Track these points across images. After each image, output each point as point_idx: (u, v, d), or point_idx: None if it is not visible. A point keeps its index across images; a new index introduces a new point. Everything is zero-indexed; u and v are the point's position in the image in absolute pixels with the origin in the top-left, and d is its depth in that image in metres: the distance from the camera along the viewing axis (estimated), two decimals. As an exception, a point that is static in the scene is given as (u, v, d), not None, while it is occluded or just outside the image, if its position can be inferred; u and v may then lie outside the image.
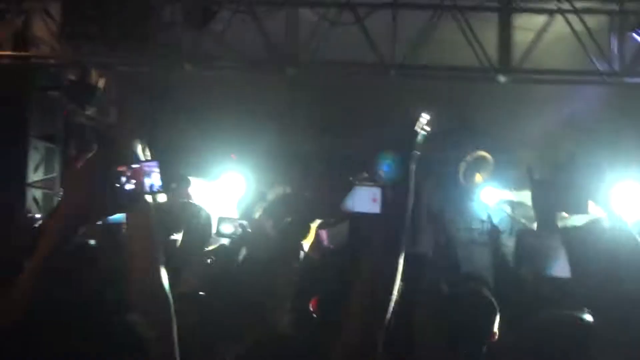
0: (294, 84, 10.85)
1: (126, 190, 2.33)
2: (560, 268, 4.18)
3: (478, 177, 7.67)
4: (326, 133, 14.69)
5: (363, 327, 2.32)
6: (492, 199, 8.33)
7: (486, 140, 8.39)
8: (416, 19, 9.22)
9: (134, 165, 2.36)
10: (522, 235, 6.10)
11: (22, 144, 9.61)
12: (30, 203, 9.67)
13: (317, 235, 5.48)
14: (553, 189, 3.36)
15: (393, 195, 2.48)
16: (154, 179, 2.39)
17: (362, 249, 2.50)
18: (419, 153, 2.55)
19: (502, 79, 9.06)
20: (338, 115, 14.39)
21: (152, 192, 2.43)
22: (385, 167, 2.55)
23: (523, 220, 7.34)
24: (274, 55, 9.30)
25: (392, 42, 8.96)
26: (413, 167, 2.51)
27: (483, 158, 7.79)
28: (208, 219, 6.48)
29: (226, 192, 9.91)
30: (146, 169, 2.37)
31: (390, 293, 2.33)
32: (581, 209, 3.34)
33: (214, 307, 4.15)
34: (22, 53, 9.62)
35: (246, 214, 6.67)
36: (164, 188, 2.42)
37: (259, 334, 3.15)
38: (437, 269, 4.70)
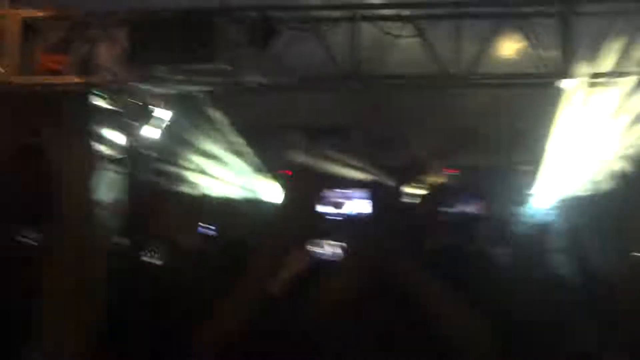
0: (356, 100, 10.99)
1: None
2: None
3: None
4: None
5: None
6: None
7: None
8: (475, 30, 9.27)
9: None
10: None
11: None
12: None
13: None
14: None
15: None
16: None
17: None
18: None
19: (564, 84, 9.05)
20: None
21: None
22: None
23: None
24: (336, 70, 9.35)
25: (456, 53, 8.98)
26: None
27: None
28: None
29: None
30: None
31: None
32: None
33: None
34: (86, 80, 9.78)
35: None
36: None
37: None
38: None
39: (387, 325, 2.73)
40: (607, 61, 8.97)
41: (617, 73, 9.14)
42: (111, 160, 10.14)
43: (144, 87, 9.77)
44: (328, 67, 9.51)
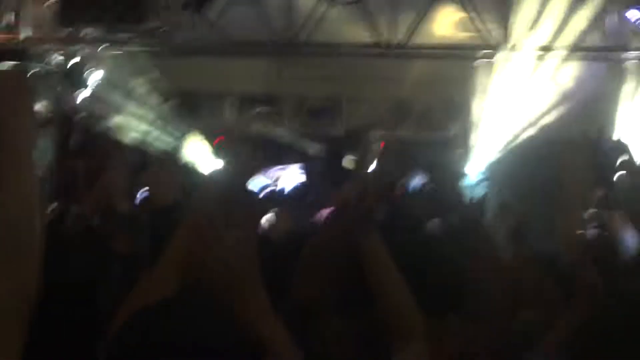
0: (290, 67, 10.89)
1: None
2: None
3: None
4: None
5: None
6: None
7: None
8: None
9: None
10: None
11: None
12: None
13: None
14: None
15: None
16: None
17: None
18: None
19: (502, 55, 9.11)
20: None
21: None
22: None
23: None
24: (271, 37, 9.25)
25: (393, 23, 8.94)
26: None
27: None
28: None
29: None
30: None
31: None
32: None
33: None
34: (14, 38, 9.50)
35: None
36: None
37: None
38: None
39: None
40: (543, 33, 9.06)
41: (551, 46, 9.26)
42: (41, 123, 9.90)
43: (73, 47, 9.51)
44: (263, 33, 9.40)
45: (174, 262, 2.29)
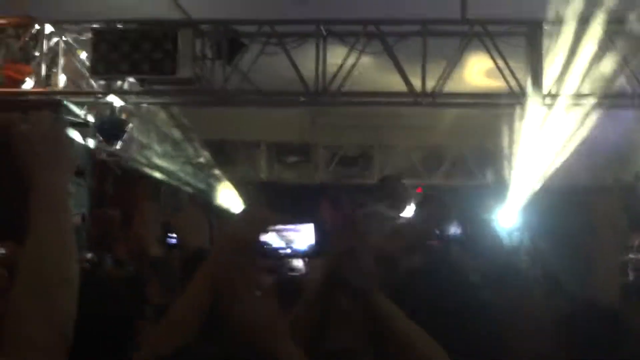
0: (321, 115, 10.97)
1: None
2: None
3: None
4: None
5: None
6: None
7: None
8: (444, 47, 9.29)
9: None
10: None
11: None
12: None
13: None
14: None
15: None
16: None
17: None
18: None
19: (533, 103, 9.10)
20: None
21: None
22: None
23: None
24: (303, 86, 9.31)
25: (423, 70, 8.97)
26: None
27: None
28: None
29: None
30: None
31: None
32: None
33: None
34: (52, 90, 9.66)
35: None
36: None
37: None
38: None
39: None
40: (572, 82, 9.05)
41: (581, 92, 9.24)
42: (76, 172, 9.98)
43: (108, 98, 9.66)
44: (295, 83, 9.48)
45: (190, 309, 2.29)
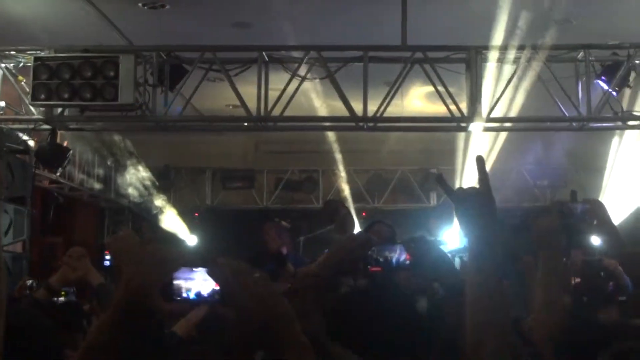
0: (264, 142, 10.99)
1: None
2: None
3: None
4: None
5: None
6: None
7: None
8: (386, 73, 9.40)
9: None
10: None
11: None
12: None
13: None
14: None
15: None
16: None
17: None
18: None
19: (473, 127, 9.24)
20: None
21: None
22: None
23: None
24: (246, 112, 9.31)
25: (364, 95, 9.04)
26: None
27: None
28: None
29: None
30: None
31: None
32: None
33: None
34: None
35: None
36: None
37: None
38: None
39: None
40: (511, 106, 9.22)
41: (520, 117, 9.42)
42: (13, 199, 9.85)
43: (47, 124, 9.54)
44: (239, 108, 9.49)
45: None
